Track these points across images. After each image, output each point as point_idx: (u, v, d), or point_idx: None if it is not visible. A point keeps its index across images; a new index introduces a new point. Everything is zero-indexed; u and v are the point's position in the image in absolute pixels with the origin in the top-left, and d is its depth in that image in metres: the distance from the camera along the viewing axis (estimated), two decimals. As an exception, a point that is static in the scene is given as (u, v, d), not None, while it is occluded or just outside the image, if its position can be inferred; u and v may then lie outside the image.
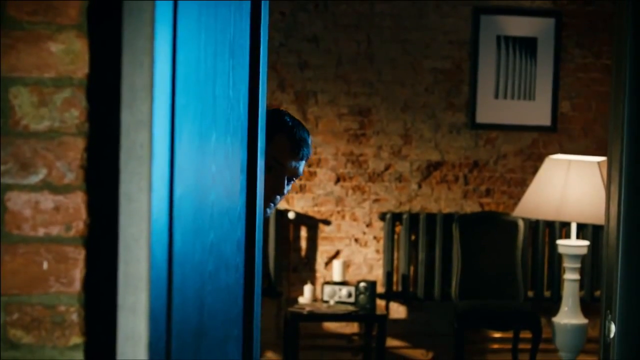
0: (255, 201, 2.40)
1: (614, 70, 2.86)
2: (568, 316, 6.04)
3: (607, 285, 2.82)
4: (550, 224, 7.39)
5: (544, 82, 7.47)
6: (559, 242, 6.18)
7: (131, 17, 1.48)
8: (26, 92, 1.50)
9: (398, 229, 7.45)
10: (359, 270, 7.49)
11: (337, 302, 7.07)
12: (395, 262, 7.47)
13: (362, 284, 6.98)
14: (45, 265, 1.50)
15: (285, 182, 2.97)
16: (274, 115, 3.03)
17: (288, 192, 3.03)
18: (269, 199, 2.94)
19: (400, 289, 7.45)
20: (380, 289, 7.42)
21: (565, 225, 7.15)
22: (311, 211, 7.45)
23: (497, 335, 7.56)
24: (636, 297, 2.60)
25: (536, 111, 7.47)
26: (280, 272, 7.41)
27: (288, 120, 3.02)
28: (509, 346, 7.32)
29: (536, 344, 6.83)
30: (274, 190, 2.94)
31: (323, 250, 7.49)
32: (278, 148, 2.95)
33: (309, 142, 3.05)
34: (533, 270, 7.45)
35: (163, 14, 1.51)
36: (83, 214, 1.50)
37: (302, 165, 3.03)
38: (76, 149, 1.50)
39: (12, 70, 1.49)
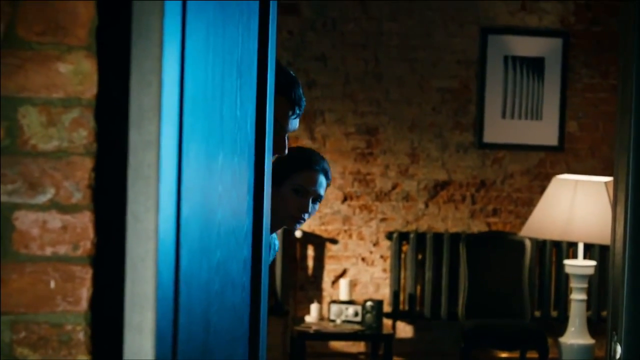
0: (262, 220, 2.41)
1: (620, 90, 2.86)
2: (575, 336, 6.03)
3: (613, 306, 2.81)
4: (557, 244, 7.38)
5: (551, 102, 7.47)
6: (566, 262, 6.17)
7: (140, 37, 1.49)
8: (35, 112, 1.51)
9: (405, 248, 7.45)
10: (365, 289, 7.48)
11: (344, 321, 7.07)
12: (402, 281, 7.46)
13: (368, 303, 6.98)
14: (52, 284, 1.51)
15: (286, 139, 3.00)
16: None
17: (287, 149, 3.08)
18: (276, 152, 2.97)
19: (406, 308, 7.44)
20: (387, 308, 7.41)
21: (573, 245, 7.14)
22: (318, 230, 7.45)
23: (503, 355, 7.54)
24: (642, 318, 2.60)
25: (543, 131, 7.48)
26: (287, 290, 7.41)
27: (284, 80, 2.99)
28: (516, 366, 7.31)
29: (543, 364, 6.81)
30: (276, 150, 2.95)
31: (330, 269, 7.49)
32: (277, 110, 2.92)
33: (302, 94, 3.05)
34: (540, 290, 7.44)
35: (171, 34, 1.52)
36: (90, 233, 1.51)
37: (297, 120, 3.05)
38: (84, 168, 1.51)
39: (21, 90, 1.50)
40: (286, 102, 2.95)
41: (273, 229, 3.50)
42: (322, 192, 3.45)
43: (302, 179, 3.42)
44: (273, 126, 2.94)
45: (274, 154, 2.95)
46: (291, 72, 3.10)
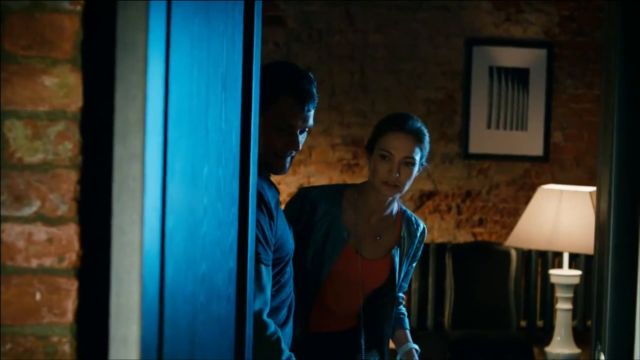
0: (247, 232, 2.42)
1: (603, 101, 2.88)
2: (560, 346, 6.05)
3: (596, 315, 2.83)
4: (542, 254, 7.40)
5: (536, 113, 7.50)
6: (552, 271, 6.19)
7: (124, 52, 1.51)
8: (20, 125, 1.52)
9: (391, 258, 7.45)
10: (352, 300, 7.48)
11: (330, 332, 7.06)
12: (389, 291, 7.46)
13: (355, 314, 6.97)
14: (38, 296, 1.52)
15: (299, 136, 2.99)
16: (274, 72, 3.02)
17: (303, 142, 3.05)
18: (284, 154, 2.97)
19: (393, 318, 7.44)
20: (373, 318, 7.41)
21: (558, 255, 7.16)
22: (304, 241, 7.44)
23: (490, 365, 7.55)
24: (625, 328, 2.62)
25: (528, 141, 7.50)
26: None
27: (289, 77, 2.99)
28: (502, 376, 7.31)
29: (529, 374, 6.82)
30: (289, 147, 2.97)
31: (316, 280, 7.48)
32: (284, 110, 2.95)
33: (314, 89, 3.02)
34: (526, 300, 7.46)
35: (156, 49, 1.53)
36: (76, 245, 1.52)
37: (311, 115, 3.02)
38: (69, 181, 1.52)
39: (7, 104, 1.51)
40: (289, 99, 2.95)
41: (375, 204, 3.47)
42: (412, 154, 3.38)
43: (386, 143, 3.39)
44: (282, 127, 2.97)
45: (286, 150, 2.98)
46: (297, 68, 3.08)
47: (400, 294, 3.72)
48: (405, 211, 3.62)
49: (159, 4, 1.54)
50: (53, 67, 1.52)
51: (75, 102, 1.52)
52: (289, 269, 3.08)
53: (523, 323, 7.42)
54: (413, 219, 3.62)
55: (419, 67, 7.45)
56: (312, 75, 3.08)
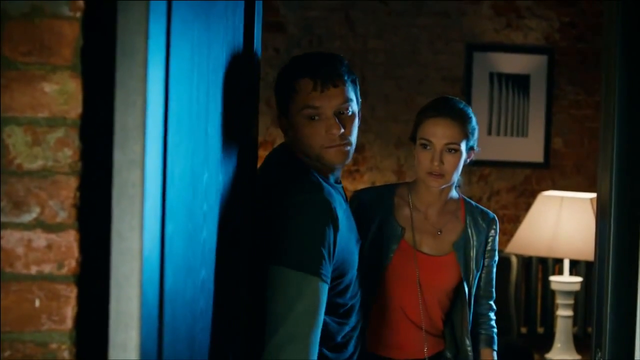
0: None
1: (603, 107, 2.88)
2: (561, 352, 6.03)
3: (597, 322, 2.82)
4: (543, 260, 7.39)
5: (537, 119, 7.50)
6: (552, 278, 6.18)
7: (124, 58, 1.51)
8: (20, 132, 1.51)
9: (391, 264, 7.43)
10: (352, 306, 7.47)
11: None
12: (389, 297, 7.45)
13: (355, 320, 6.96)
14: (37, 303, 1.51)
15: (336, 119, 2.65)
16: (287, 67, 2.72)
17: (354, 124, 2.74)
18: (332, 143, 2.66)
19: (393, 324, 7.42)
20: (373, 324, 7.39)
21: (558, 261, 7.15)
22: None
23: (490, 371, 7.53)
24: (625, 335, 2.61)
25: (529, 148, 7.50)
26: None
27: (299, 62, 2.68)
28: (503, 382, 7.29)
29: (529, 380, 6.81)
30: (331, 132, 2.64)
31: (316, 286, 7.46)
32: (303, 93, 2.62)
33: (337, 65, 2.68)
34: (526, 306, 7.44)
35: (155, 54, 1.53)
36: (75, 252, 1.51)
37: (348, 91, 2.71)
38: (69, 187, 1.51)
39: (6, 110, 1.51)
40: (303, 81, 2.63)
41: (428, 197, 3.27)
42: (454, 140, 3.15)
43: (424, 131, 3.16)
44: (310, 114, 2.62)
45: (326, 138, 2.66)
46: (310, 53, 2.78)
47: (491, 304, 3.54)
48: (469, 202, 3.42)
49: (159, 10, 1.54)
50: (53, 73, 1.52)
51: (74, 109, 1.52)
52: (359, 293, 2.75)
53: (523, 329, 7.41)
54: (479, 208, 3.41)
55: (419, 72, 7.45)
56: (337, 56, 2.76)
